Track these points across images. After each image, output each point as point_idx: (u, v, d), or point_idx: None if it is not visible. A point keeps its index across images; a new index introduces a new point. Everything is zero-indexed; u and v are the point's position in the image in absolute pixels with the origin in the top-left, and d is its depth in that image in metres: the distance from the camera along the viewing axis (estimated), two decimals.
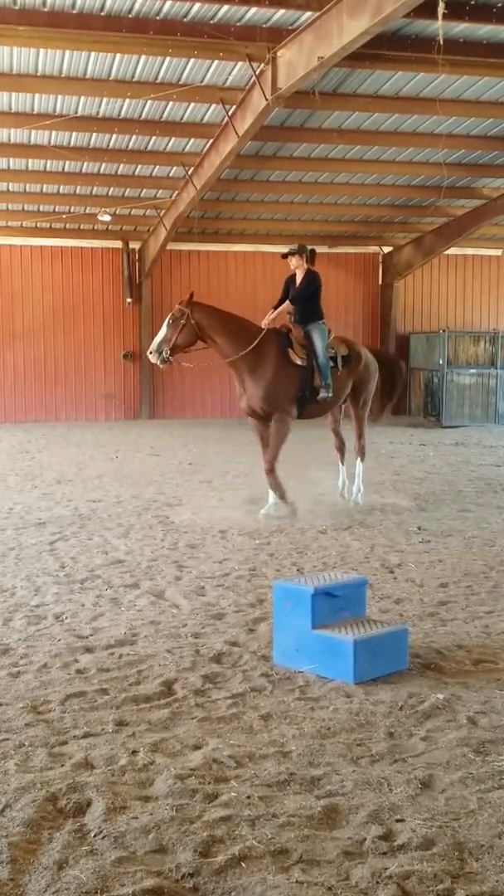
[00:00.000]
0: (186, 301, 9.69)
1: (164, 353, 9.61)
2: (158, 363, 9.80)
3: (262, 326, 9.83)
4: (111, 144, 15.61)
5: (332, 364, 9.96)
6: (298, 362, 9.73)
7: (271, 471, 9.71)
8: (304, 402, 9.90)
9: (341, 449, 10.97)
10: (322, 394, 9.79)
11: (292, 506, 9.70)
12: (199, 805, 3.50)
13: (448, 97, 13.45)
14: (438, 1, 8.10)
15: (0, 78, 12.48)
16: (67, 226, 20.83)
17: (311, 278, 9.95)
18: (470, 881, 3.01)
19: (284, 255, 10.15)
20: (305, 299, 9.89)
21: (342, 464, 10.89)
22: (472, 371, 21.55)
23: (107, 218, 18.91)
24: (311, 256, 10.12)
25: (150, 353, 9.75)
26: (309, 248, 10.18)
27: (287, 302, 9.96)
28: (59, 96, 13.30)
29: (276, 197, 19.54)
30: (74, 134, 14.93)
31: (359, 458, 10.69)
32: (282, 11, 10.75)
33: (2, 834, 3.28)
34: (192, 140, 15.44)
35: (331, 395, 9.85)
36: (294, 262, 9.99)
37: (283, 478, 9.88)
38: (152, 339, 10.08)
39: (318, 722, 4.29)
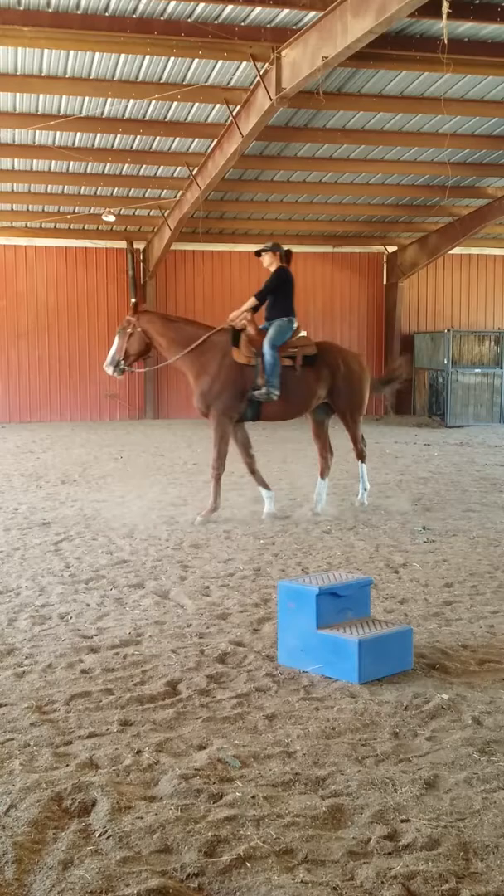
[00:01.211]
0: (132, 310, 10.00)
1: (119, 364, 9.87)
2: (115, 375, 10.07)
3: (226, 325, 9.79)
4: (115, 145, 15.62)
5: (290, 364, 9.62)
6: (243, 361, 9.59)
7: (216, 476, 9.70)
8: (255, 402, 9.66)
9: (322, 457, 10.19)
10: (263, 391, 9.45)
11: (207, 518, 9.40)
12: (204, 805, 3.50)
13: (452, 96, 13.45)
14: (443, 0, 8.09)
15: (4, 78, 12.50)
16: (72, 226, 20.85)
17: (277, 273, 9.79)
18: (475, 881, 3.01)
19: (257, 253, 10.11)
20: (268, 295, 9.81)
21: (322, 477, 10.04)
22: (476, 371, 21.53)
23: (111, 218, 18.92)
24: (286, 256, 9.96)
25: (106, 366, 9.98)
26: (284, 247, 10.03)
27: (252, 297, 9.88)
28: (64, 97, 13.31)
29: (281, 197, 19.54)
30: (79, 134, 14.95)
31: (360, 462, 10.42)
32: (286, 11, 10.75)
33: (7, 833, 3.28)
34: (196, 140, 15.44)
35: (273, 393, 9.45)
36: (266, 259, 9.89)
37: (292, 477, 9.86)
38: None
39: (322, 722, 4.29)
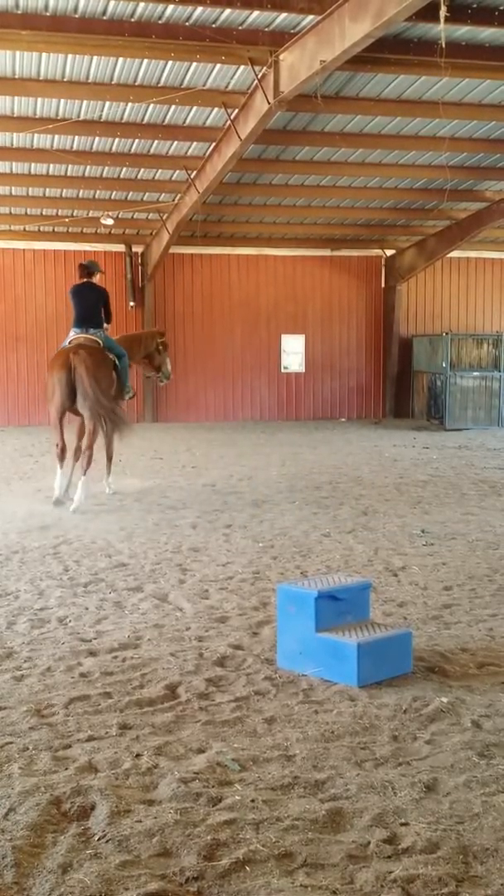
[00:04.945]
0: None
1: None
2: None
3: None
4: (114, 148, 15.64)
5: None
6: None
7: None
8: None
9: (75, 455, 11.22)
10: None
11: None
12: (203, 808, 3.49)
13: (451, 100, 13.47)
14: (440, 4, 8.11)
15: (2, 82, 12.53)
16: (70, 229, 20.86)
17: None
18: (474, 885, 3.00)
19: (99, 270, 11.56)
20: None
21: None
22: (475, 374, 21.54)
23: (109, 221, 18.94)
24: (77, 270, 11.50)
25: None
26: (82, 263, 11.61)
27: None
28: (62, 100, 13.33)
29: (279, 200, 19.56)
30: (77, 137, 14.96)
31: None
32: (284, 15, 10.76)
33: (6, 837, 3.27)
34: (194, 143, 15.45)
35: None
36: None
37: (291, 481, 9.83)
38: None
39: (322, 725, 4.29)
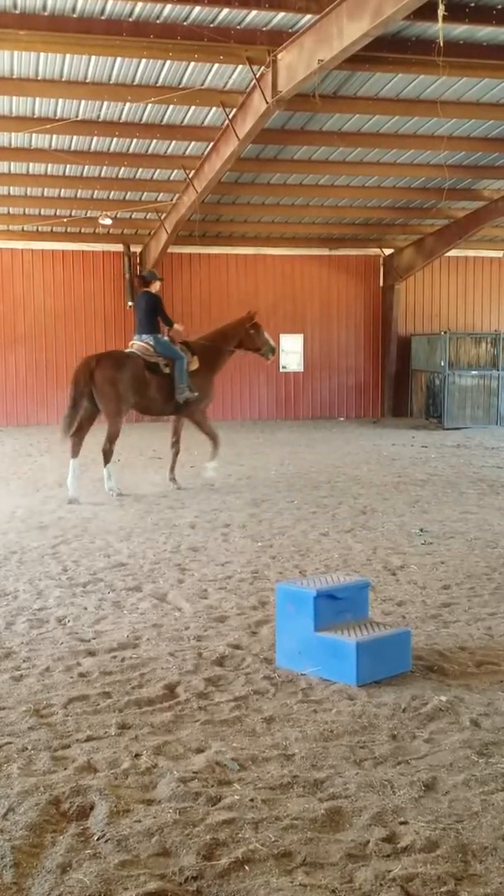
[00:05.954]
0: None
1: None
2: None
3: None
4: (112, 148, 15.63)
5: None
6: None
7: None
8: None
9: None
10: None
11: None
12: (203, 808, 3.49)
13: (449, 99, 13.46)
14: (439, 3, 8.11)
15: (1, 82, 12.52)
16: (68, 229, 20.85)
17: None
18: (474, 883, 3.01)
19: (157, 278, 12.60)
20: None
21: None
22: (473, 373, 21.54)
23: (108, 221, 18.92)
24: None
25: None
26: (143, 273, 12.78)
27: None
28: (60, 100, 13.32)
29: (277, 200, 19.55)
30: (75, 137, 14.96)
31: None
32: (282, 14, 10.76)
33: (5, 837, 3.27)
34: (192, 143, 15.45)
35: None
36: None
37: (290, 480, 9.81)
38: None
39: (320, 724, 4.29)
